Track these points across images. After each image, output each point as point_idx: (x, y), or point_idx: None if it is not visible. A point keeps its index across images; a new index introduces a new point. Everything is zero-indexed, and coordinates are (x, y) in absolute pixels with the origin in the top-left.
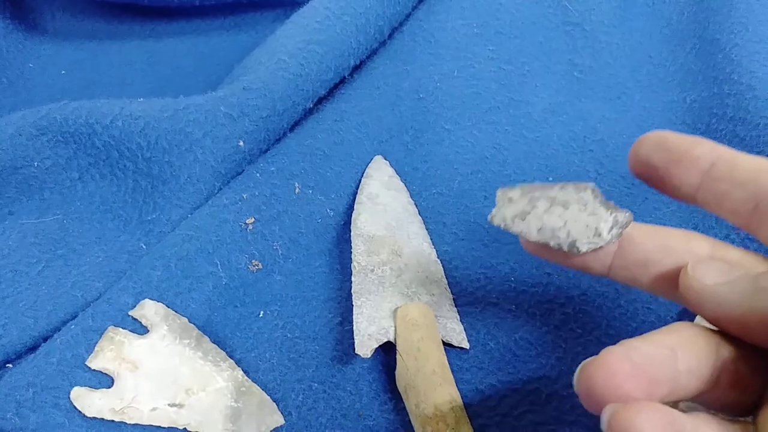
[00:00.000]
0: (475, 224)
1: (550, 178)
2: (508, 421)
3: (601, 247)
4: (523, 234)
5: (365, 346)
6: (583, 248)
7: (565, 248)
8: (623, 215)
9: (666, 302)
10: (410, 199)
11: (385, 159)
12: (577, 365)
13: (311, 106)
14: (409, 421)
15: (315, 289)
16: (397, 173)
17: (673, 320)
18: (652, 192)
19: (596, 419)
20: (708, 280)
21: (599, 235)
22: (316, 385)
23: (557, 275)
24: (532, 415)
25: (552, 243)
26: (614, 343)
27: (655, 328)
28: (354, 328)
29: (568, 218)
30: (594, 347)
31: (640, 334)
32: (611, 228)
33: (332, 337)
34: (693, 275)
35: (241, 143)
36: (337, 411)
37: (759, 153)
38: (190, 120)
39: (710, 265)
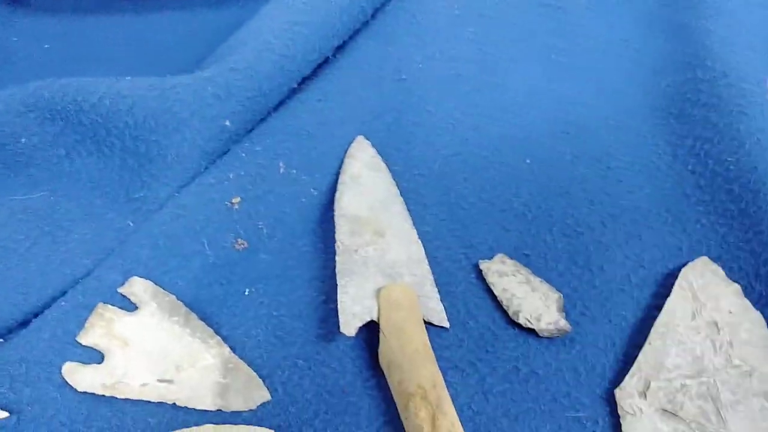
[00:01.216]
0: (455, 205)
1: (528, 161)
2: (488, 399)
3: (532, 329)
4: (492, 284)
5: (350, 325)
6: (521, 321)
7: (510, 312)
8: (564, 324)
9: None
10: (392, 179)
11: (368, 139)
12: (554, 344)
13: (296, 86)
14: (392, 397)
15: (299, 268)
16: (379, 154)
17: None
18: (626, 175)
19: (574, 399)
20: None
21: (538, 320)
22: (301, 362)
23: (535, 256)
24: (512, 393)
25: (504, 302)
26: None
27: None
28: (339, 307)
29: (528, 296)
30: (572, 324)
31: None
32: (549, 324)
33: (317, 315)
34: None
35: (228, 123)
36: (321, 387)
37: (731, 140)
38: (178, 99)
39: None
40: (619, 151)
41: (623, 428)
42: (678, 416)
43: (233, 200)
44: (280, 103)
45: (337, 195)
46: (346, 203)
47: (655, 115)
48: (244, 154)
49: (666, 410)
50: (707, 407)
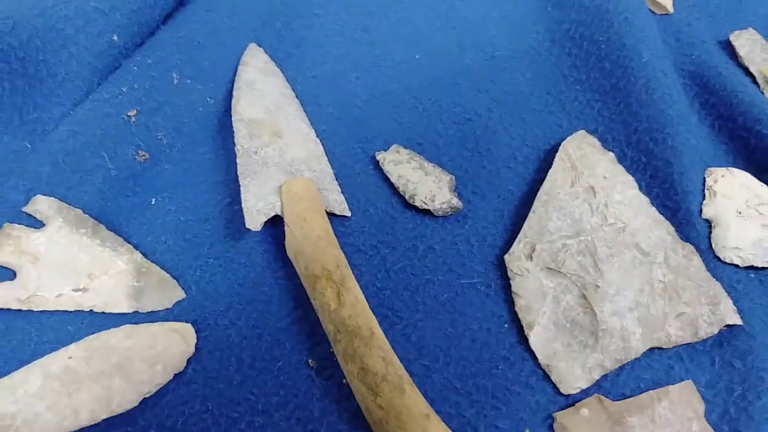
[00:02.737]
0: (348, 104)
1: (417, 56)
2: (389, 275)
3: (428, 210)
4: (388, 173)
5: (255, 220)
6: (417, 203)
7: (406, 196)
8: (456, 203)
9: None
10: (286, 83)
11: (260, 46)
12: (448, 222)
13: None
14: (301, 284)
15: (202, 175)
16: (272, 59)
17: (531, 174)
18: (509, 62)
19: (468, 268)
20: None
21: (432, 201)
22: (211, 260)
23: (427, 144)
24: (411, 268)
25: (401, 188)
26: (482, 189)
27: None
28: (243, 205)
29: (422, 180)
30: (464, 202)
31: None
32: (443, 203)
33: (223, 217)
34: None
35: (115, 38)
36: (233, 282)
37: (602, 20)
38: (61, 16)
39: None
40: (502, 40)
41: (513, 288)
42: (560, 272)
43: (129, 113)
44: (169, 16)
45: (234, 101)
46: (243, 108)
47: (534, 4)
48: (136, 68)
49: (550, 268)
50: (586, 262)
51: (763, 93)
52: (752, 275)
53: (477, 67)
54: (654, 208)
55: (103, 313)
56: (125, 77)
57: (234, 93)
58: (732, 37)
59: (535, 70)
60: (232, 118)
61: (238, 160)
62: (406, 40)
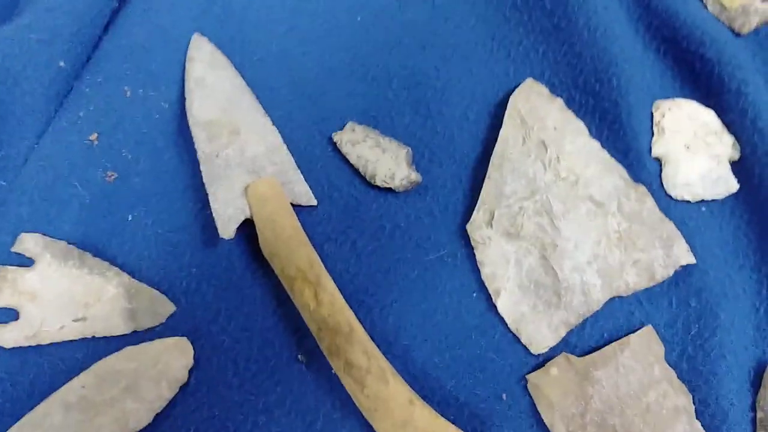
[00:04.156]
0: (300, 82)
1: (359, 18)
2: (361, 260)
3: (389, 188)
4: (347, 154)
5: (227, 228)
6: (378, 182)
7: (367, 177)
8: (415, 177)
9: None
10: (236, 72)
11: (203, 36)
12: (410, 196)
13: (116, 4)
14: (281, 282)
15: (172, 183)
16: (218, 47)
17: (484, 133)
18: (451, 11)
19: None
20: None
21: (392, 179)
22: (194, 269)
23: (381, 116)
24: (381, 250)
25: (361, 169)
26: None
27: None
28: (213, 214)
29: (380, 158)
30: (423, 173)
31: None
32: (402, 180)
33: (198, 223)
34: None
35: (62, 63)
36: (218, 288)
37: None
38: (6, 55)
39: None
40: None
41: (477, 257)
42: (520, 236)
43: (91, 137)
44: (108, 26)
45: (187, 104)
46: (197, 110)
47: None
48: (87, 89)
49: (509, 233)
50: (543, 221)
51: (705, 7)
52: (704, 209)
53: (420, 21)
54: (606, 152)
55: (105, 337)
56: (79, 101)
57: (186, 95)
58: None
59: (478, 16)
60: (189, 122)
61: (201, 167)
62: (346, 4)
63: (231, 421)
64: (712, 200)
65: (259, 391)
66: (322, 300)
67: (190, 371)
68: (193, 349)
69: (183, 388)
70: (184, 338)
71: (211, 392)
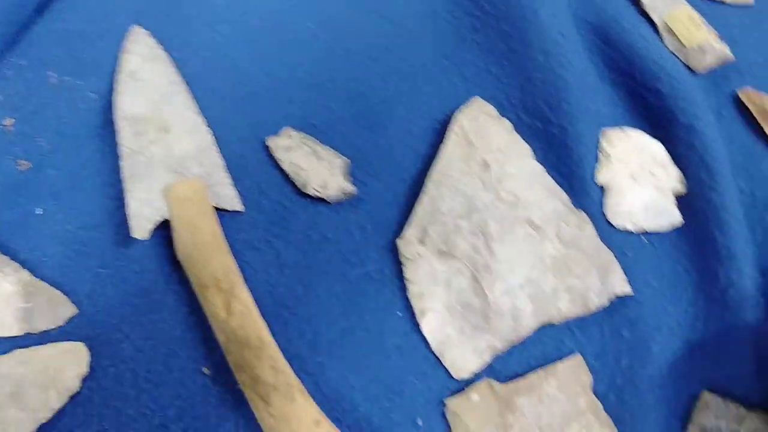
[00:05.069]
0: (240, 83)
1: (310, 25)
2: (283, 272)
3: (321, 198)
4: (279, 160)
5: (142, 228)
6: (310, 192)
7: (298, 185)
8: (349, 188)
9: None
10: (173, 68)
11: (145, 29)
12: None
13: None
14: (194, 290)
15: (89, 177)
16: (159, 42)
17: (426, 149)
18: (407, 25)
19: (363, 255)
20: None
21: (325, 188)
22: (102, 271)
23: (321, 125)
24: (305, 262)
25: (293, 176)
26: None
27: None
28: (127, 212)
29: (314, 167)
30: (359, 185)
31: None
32: (336, 190)
33: (112, 222)
34: None
35: None
36: (125, 292)
37: None
38: None
39: None
40: (401, 2)
41: (405, 274)
42: (452, 255)
43: (5, 122)
44: (41, 7)
45: (115, 96)
46: (126, 104)
47: None
48: (10, 72)
49: (441, 251)
50: (478, 242)
51: (663, 43)
52: (645, 240)
53: (372, 33)
54: (549, 177)
55: None
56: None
57: (115, 86)
58: None
59: (435, 33)
60: (114, 116)
61: (121, 163)
62: (299, 8)
63: None
64: (654, 232)
65: (157, 405)
66: (234, 310)
67: (84, 380)
68: (90, 356)
69: (73, 397)
70: (81, 344)
71: (103, 404)
